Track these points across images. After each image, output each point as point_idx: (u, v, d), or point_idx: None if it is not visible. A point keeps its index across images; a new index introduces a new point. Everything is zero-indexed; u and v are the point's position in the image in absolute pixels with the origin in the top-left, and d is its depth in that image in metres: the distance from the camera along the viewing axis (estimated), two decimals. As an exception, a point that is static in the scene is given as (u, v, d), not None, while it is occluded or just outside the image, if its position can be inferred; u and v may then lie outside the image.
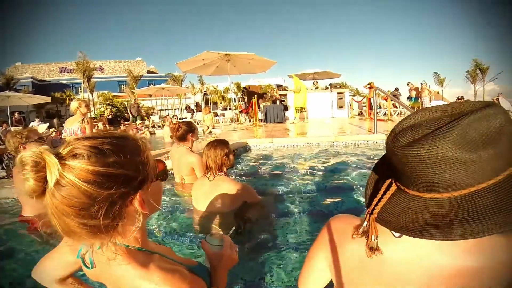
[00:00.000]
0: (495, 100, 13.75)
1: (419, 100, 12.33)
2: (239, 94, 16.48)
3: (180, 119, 11.46)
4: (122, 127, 10.41)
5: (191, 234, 1.89)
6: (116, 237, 0.55)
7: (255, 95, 10.00)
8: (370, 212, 0.55)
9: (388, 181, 0.55)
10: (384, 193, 0.54)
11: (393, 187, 0.53)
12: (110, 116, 13.32)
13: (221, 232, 0.89)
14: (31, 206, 2.11)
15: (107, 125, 11.80)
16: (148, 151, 0.60)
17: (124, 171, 0.51)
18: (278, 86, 15.97)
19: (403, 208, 0.49)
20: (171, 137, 6.96)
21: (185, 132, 2.66)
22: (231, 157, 2.00)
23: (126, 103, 19.08)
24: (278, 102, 11.16)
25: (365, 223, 0.57)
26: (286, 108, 11.42)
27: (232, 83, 33.71)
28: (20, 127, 9.50)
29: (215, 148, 1.95)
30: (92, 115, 19.89)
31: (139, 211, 0.56)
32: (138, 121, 11.24)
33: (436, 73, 38.66)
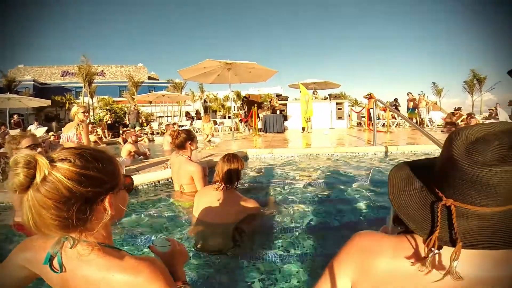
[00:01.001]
0: (493, 110, 13.86)
1: (416, 111, 12.44)
2: (239, 103, 16.54)
3: (179, 126, 11.45)
4: (121, 132, 10.36)
5: (188, 242, 1.88)
6: (85, 233, 0.63)
7: (255, 104, 10.04)
8: (456, 238, 0.53)
9: (443, 204, 0.55)
10: (450, 217, 0.54)
11: (453, 208, 0.54)
12: (109, 122, 13.25)
13: (164, 237, 1.09)
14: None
15: (106, 130, 11.76)
16: (120, 166, 0.73)
17: (100, 175, 0.63)
18: (277, 95, 16.05)
19: (489, 226, 0.52)
20: (171, 144, 6.96)
21: (184, 140, 2.66)
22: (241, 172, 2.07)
23: (126, 109, 19.10)
24: (277, 111, 11.20)
25: (436, 251, 0.55)
26: (285, 118, 11.46)
27: (232, 91, 34.05)
28: (19, 130, 9.45)
29: (231, 162, 1.98)
30: (92, 120, 19.84)
31: (108, 210, 0.65)
32: (137, 128, 11.20)
33: (434, 83, 39.07)
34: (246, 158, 4.90)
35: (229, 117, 11.11)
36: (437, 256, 0.55)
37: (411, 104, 12.88)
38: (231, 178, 1.95)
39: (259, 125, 10.79)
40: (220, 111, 39.49)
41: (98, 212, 0.64)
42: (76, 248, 0.62)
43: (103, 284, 0.62)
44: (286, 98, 14.23)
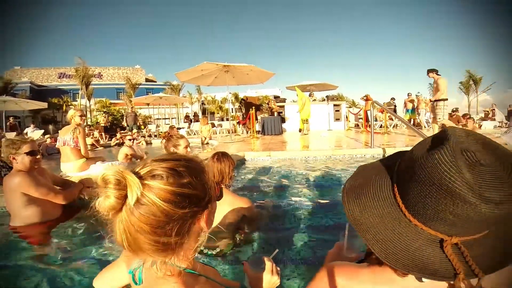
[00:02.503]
0: (490, 111, 13.95)
1: (416, 112, 12.49)
2: (237, 105, 16.56)
3: (177, 129, 11.43)
4: (118, 135, 10.32)
5: None
6: (179, 255, 0.58)
7: (253, 107, 10.04)
8: (471, 275, 0.49)
9: (449, 243, 0.49)
10: (463, 254, 0.49)
11: (461, 244, 0.49)
12: (105, 125, 13.20)
13: (263, 255, 0.91)
14: (20, 217, 2.05)
15: (103, 133, 11.71)
16: (210, 173, 0.63)
17: (196, 192, 0.56)
18: (275, 97, 16.07)
19: (485, 253, 0.50)
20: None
21: (168, 146, 2.62)
22: (232, 170, 2.03)
23: (123, 111, 19.02)
24: (275, 114, 11.21)
25: None
26: (283, 120, 11.47)
27: (230, 93, 34.14)
28: (14, 133, 9.38)
29: (220, 161, 1.96)
30: (89, 123, 19.75)
31: (204, 229, 0.60)
32: (135, 130, 11.17)
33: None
34: (243, 160, 4.89)
35: (227, 119, 11.07)
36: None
37: (410, 105, 12.91)
38: (224, 177, 1.94)
39: (257, 127, 10.79)
40: (218, 113, 39.48)
41: (193, 232, 0.59)
42: (156, 267, 0.57)
43: None
44: (284, 100, 14.26)
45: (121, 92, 37.97)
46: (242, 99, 14.12)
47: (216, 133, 11.82)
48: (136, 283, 0.63)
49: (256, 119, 10.67)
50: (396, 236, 0.53)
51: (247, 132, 10.98)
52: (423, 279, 0.53)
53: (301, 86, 14.72)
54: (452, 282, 0.49)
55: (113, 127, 13.69)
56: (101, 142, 10.50)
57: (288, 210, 2.54)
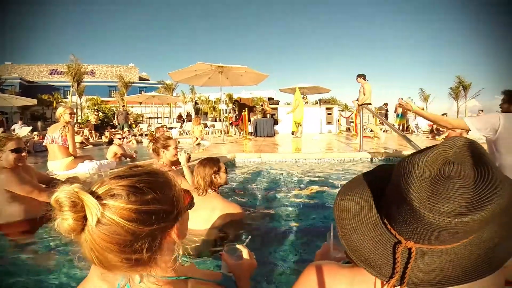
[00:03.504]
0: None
1: (405, 117, 12.74)
2: (231, 106, 16.55)
3: (169, 128, 11.36)
4: (107, 134, 10.18)
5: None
6: (155, 268, 0.56)
7: (246, 108, 10.08)
8: (400, 281, 0.52)
9: (404, 247, 0.52)
10: (408, 260, 0.51)
11: (414, 250, 0.51)
12: (96, 123, 13.02)
13: (235, 243, 0.99)
14: (3, 215, 2.02)
15: (93, 131, 11.55)
16: (178, 184, 0.62)
17: (162, 207, 0.54)
18: (269, 99, 16.15)
19: (441, 264, 0.51)
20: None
21: (157, 148, 2.68)
22: (222, 175, 2.03)
23: (114, 109, 18.76)
24: (268, 115, 11.26)
25: None
26: (276, 122, 11.53)
27: (224, 94, 34.13)
28: (1, 130, 9.17)
29: (204, 166, 1.97)
30: (79, 120, 19.43)
31: (177, 242, 0.60)
32: (126, 129, 11.05)
33: (421, 89, 39.97)
34: (234, 162, 4.91)
35: (220, 120, 11.06)
36: None
37: (400, 110, 13.14)
38: (208, 182, 1.95)
39: (250, 128, 10.83)
40: (211, 114, 39.37)
41: (166, 245, 0.58)
42: (145, 283, 0.57)
43: None
44: (277, 102, 14.34)
45: (113, 90, 37.51)
46: (236, 100, 14.14)
47: (208, 134, 11.79)
48: None
49: (249, 120, 10.70)
50: (362, 226, 0.57)
51: (239, 134, 11.00)
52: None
53: (294, 89, 14.85)
54: (385, 283, 0.53)
55: (103, 125, 13.50)
56: (91, 140, 10.37)
57: (278, 212, 2.56)
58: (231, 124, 11.82)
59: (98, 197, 0.49)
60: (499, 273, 0.56)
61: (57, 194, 0.47)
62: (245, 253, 0.93)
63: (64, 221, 0.47)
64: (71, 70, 29.20)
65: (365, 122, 6.78)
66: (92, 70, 39.06)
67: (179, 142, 3.14)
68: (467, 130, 2.25)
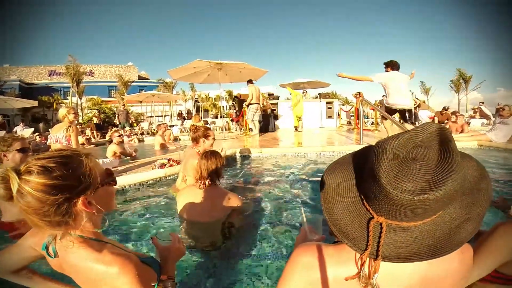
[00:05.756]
0: (477, 108, 14.28)
1: None
2: (231, 102, 16.55)
3: (170, 126, 11.39)
4: (110, 133, 10.23)
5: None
6: (72, 230, 0.73)
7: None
8: (375, 255, 0.56)
9: (376, 221, 0.56)
10: (380, 234, 0.56)
11: (384, 225, 0.55)
12: (98, 122, 13.08)
13: (169, 232, 1.10)
14: (10, 212, 2.08)
15: (94, 131, 11.61)
16: (93, 165, 0.76)
17: (66, 182, 0.68)
18: (270, 94, 16.09)
19: (408, 240, 0.55)
20: (161, 145, 6.94)
21: (198, 136, 2.88)
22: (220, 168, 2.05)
23: (115, 109, 18.76)
24: (268, 111, 11.26)
25: (365, 266, 0.58)
26: (276, 117, 11.54)
27: (224, 90, 34.09)
28: (4, 132, 9.24)
29: (213, 158, 2.00)
30: (80, 121, 19.49)
31: (88, 210, 0.73)
32: (127, 128, 11.10)
33: (422, 82, 39.85)
34: (234, 157, 4.95)
35: (221, 117, 11.07)
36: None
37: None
38: (212, 175, 1.98)
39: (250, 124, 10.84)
40: (211, 111, 39.33)
41: (79, 213, 0.72)
42: (64, 240, 0.74)
43: (82, 271, 0.74)
44: (277, 98, 14.32)
45: (113, 90, 37.47)
46: (235, 96, 14.14)
47: (209, 131, 11.79)
48: (51, 256, 0.77)
49: (249, 116, 10.71)
50: (344, 201, 0.62)
51: (240, 130, 11.03)
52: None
53: (294, 84, 14.82)
54: (360, 255, 0.58)
55: (105, 125, 13.55)
56: (93, 140, 10.43)
57: (277, 205, 2.61)
58: (232, 120, 11.84)
59: (19, 174, 0.65)
60: (465, 254, 0.62)
61: None
62: (174, 238, 1.02)
63: (0, 190, 0.65)
64: (70, 71, 29.16)
65: (250, 118, 8.37)
66: (91, 70, 38.97)
67: (180, 139, 3.23)
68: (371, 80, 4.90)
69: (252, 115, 8.50)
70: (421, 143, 0.52)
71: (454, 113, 9.81)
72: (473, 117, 13.47)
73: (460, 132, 7.02)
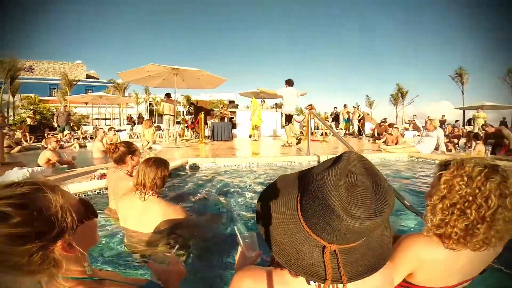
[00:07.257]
0: (412, 121, 16.15)
1: (350, 122, 14.08)
2: (187, 108, 16.18)
3: (118, 131, 10.64)
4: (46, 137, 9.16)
5: (128, 255, 1.80)
6: (58, 274, 0.58)
7: (203, 111, 9.95)
8: (340, 280, 0.58)
9: (330, 249, 0.59)
10: (338, 259, 0.59)
11: (338, 251, 0.59)
12: (32, 124, 11.62)
13: (163, 252, 1.08)
14: None
15: (27, 134, 10.27)
16: (64, 200, 0.61)
17: (32, 229, 0.53)
18: (230, 102, 16.09)
19: (357, 257, 0.61)
20: (103, 151, 6.39)
21: (123, 154, 2.40)
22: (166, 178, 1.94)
23: (54, 109, 16.85)
24: (226, 119, 11.27)
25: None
26: (234, 125, 11.60)
27: (182, 95, 33.01)
28: None
29: (156, 166, 1.85)
30: (11, 122, 17.10)
31: (67, 255, 0.60)
32: (66, 132, 10.02)
33: (367, 95, 43.93)
34: (184, 167, 4.81)
35: (178, 123, 10.66)
36: None
37: (346, 115, 14.50)
38: (155, 184, 1.84)
39: (207, 132, 10.69)
40: (167, 116, 37.75)
41: (58, 257, 0.58)
42: (56, 285, 0.58)
43: None
44: (236, 106, 14.42)
45: (55, 89, 33.86)
46: (192, 102, 13.85)
47: (161, 137, 11.33)
48: None
49: (206, 123, 10.57)
50: (292, 238, 0.62)
51: (196, 137, 10.80)
52: (311, 282, 0.62)
53: (254, 93, 15.11)
54: (322, 285, 0.59)
55: (41, 127, 12.09)
56: (25, 144, 9.22)
57: (227, 216, 2.61)
58: (187, 127, 11.55)
59: None
60: (384, 270, 0.67)
61: None
62: (174, 261, 0.96)
63: None
64: (4, 66, 25.58)
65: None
66: (31, 66, 34.82)
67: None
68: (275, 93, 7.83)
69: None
70: (354, 170, 0.56)
71: (390, 125, 10.94)
72: (407, 129, 15.18)
73: (395, 144, 7.86)
